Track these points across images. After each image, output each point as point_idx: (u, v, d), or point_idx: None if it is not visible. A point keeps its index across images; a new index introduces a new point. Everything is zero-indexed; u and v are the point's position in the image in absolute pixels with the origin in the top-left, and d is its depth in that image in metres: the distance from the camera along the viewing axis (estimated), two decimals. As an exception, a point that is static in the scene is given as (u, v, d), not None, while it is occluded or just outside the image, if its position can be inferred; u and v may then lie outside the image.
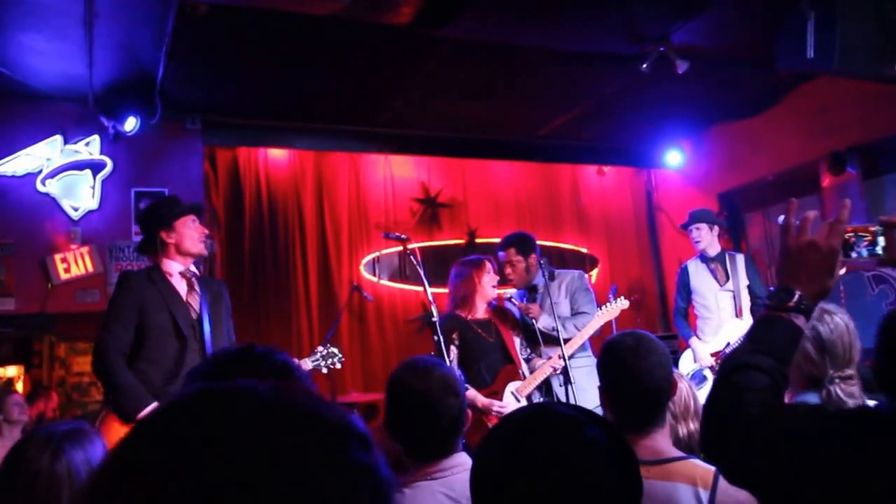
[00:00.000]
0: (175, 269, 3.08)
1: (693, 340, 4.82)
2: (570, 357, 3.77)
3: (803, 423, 1.09)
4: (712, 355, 4.61)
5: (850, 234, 1.22)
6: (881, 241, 1.23)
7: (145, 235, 3.15)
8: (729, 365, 1.20)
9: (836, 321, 1.85)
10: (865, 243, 1.23)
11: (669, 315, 6.42)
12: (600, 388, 1.83)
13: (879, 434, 1.03)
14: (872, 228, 1.23)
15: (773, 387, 1.15)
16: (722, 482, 1.52)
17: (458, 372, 2.44)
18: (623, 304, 4.14)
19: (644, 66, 4.32)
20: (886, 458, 0.99)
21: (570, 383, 3.62)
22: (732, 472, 1.18)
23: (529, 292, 4.24)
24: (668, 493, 1.56)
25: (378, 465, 0.52)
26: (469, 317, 3.95)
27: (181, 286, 3.07)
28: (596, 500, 0.95)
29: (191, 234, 3.10)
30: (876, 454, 1.00)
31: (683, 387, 2.02)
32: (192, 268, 3.17)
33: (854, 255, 1.23)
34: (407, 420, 1.78)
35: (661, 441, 1.68)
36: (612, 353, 1.78)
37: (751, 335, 1.22)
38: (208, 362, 1.18)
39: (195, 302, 3.07)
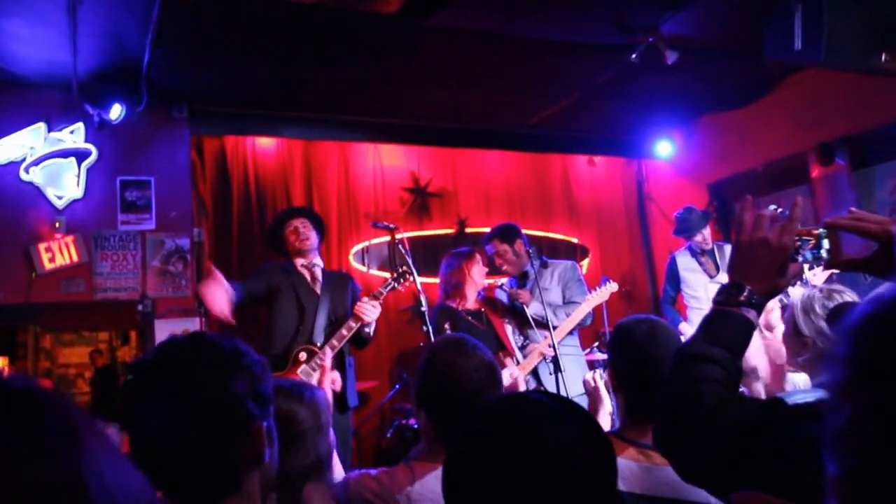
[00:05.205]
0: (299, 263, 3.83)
1: (683, 325, 4.85)
2: (559, 343, 3.79)
3: (756, 417, 1.08)
4: None
5: (795, 238, 1.18)
6: (825, 243, 1.19)
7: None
8: (682, 355, 1.19)
9: (846, 298, 1.90)
10: (810, 246, 1.19)
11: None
12: (611, 372, 1.81)
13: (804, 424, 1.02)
14: (816, 231, 1.19)
15: (726, 378, 1.14)
16: None
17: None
18: (612, 286, 4.16)
19: (633, 56, 4.31)
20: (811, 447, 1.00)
21: (560, 371, 3.64)
22: (685, 467, 1.15)
23: (520, 279, 4.29)
24: None
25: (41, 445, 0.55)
26: (460, 307, 4.00)
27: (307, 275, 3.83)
28: (570, 491, 0.94)
29: (290, 237, 3.82)
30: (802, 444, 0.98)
31: None
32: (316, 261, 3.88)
33: (800, 258, 1.19)
34: (442, 396, 1.72)
35: None
36: (626, 339, 1.75)
37: (703, 328, 1.20)
38: (154, 350, 1.19)
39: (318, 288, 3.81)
